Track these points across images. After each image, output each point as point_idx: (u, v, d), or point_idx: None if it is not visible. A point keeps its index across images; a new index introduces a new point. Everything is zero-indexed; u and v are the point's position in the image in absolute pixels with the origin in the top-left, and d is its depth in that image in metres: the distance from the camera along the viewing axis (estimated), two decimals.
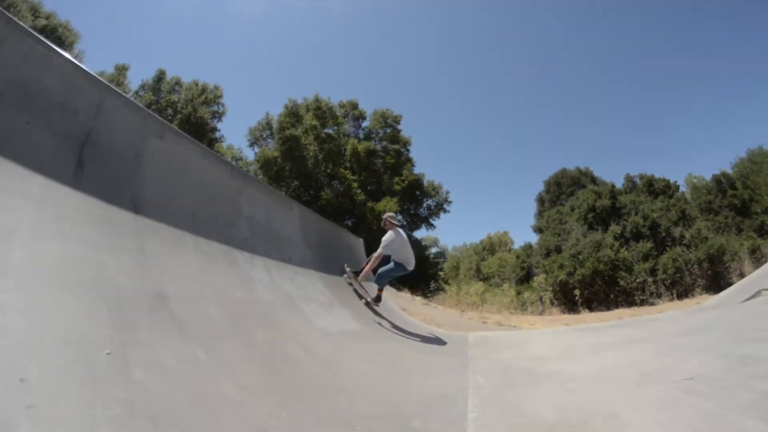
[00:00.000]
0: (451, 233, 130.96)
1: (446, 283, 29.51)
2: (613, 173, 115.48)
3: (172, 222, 3.50)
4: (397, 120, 31.44)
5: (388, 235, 7.32)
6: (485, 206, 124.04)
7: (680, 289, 19.01)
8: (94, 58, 64.53)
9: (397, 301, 11.87)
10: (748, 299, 9.59)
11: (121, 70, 32.06)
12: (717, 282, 18.99)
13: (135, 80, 33.39)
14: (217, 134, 32.98)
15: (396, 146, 30.72)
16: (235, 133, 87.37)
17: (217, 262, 3.79)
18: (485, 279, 38.66)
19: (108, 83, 3.50)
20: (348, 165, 28.42)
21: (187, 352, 2.46)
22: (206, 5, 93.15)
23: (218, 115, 33.27)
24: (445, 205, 32.11)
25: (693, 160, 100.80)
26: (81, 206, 2.72)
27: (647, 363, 4.36)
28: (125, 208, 3.10)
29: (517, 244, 52.66)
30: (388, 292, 13.14)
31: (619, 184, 30.65)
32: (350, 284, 7.87)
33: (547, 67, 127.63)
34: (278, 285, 4.64)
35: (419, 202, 31.40)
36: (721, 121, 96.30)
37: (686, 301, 16.85)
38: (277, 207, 5.84)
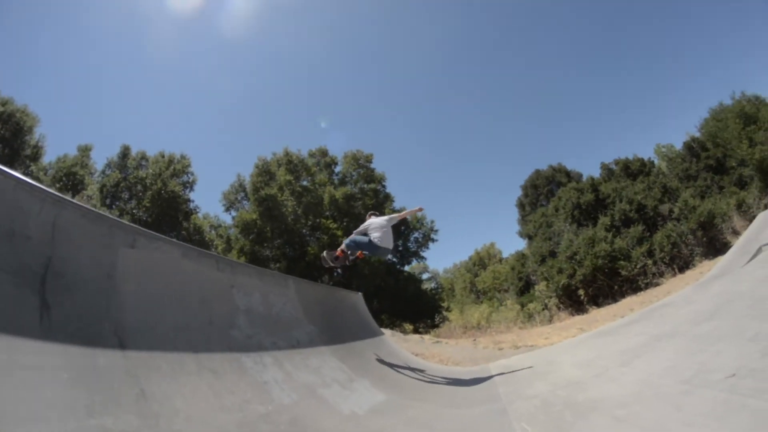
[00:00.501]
0: (438, 257, 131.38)
1: (448, 310, 29.29)
2: (585, 163, 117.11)
3: (167, 345, 3.07)
4: (369, 159, 31.55)
5: (367, 221, 7.92)
6: (467, 222, 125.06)
7: (680, 263, 19.43)
8: (55, 140, 64.17)
9: (407, 346, 11.62)
10: (751, 259, 9.76)
11: (85, 150, 31.84)
12: (714, 245, 19.57)
13: (100, 159, 33.02)
14: (191, 205, 32.53)
15: (372, 185, 30.71)
16: (209, 198, 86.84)
17: (225, 376, 3.36)
18: (483, 293, 38.56)
19: (60, 195, 2.99)
20: (328, 214, 28.24)
21: None
22: (159, 75, 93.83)
23: (189, 185, 32.80)
24: (432, 235, 32.12)
25: (659, 130, 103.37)
26: (57, 361, 2.26)
27: (683, 365, 4.19)
28: (109, 345, 2.64)
29: (506, 252, 53.04)
30: (396, 338, 12.80)
31: (596, 173, 31.08)
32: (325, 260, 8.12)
33: (501, 70, 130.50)
34: (294, 378, 4.24)
35: (406, 237, 31.38)
36: (678, 88, 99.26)
37: (689, 273, 17.30)
38: (272, 288, 5.46)
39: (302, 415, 3.66)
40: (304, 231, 28.22)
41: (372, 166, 31.69)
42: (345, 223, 27.58)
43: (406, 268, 32.45)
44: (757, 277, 7.40)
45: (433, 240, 32.00)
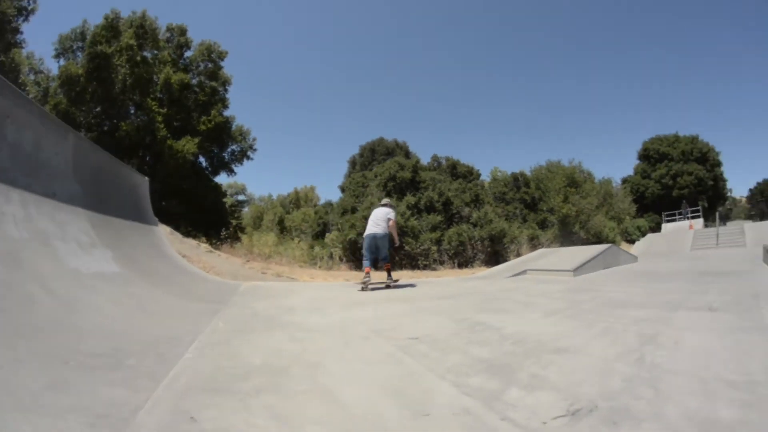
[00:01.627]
0: (260, 182, 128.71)
1: (242, 231, 29.09)
2: (429, 152, 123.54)
3: None
4: (221, 56, 29.37)
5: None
6: (298, 159, 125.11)
7: (461, 260, 21.68)
8: None
9: (179, 248, 11.55)
10: (514, 275, 11.56)
11: None
12: (496, 258, 22.04)
13: None
14: (19, 37, 27.24)
15: (214, 83, 28.76)
16: (45, 38, 72.52)
17: None
18: (288, 231, 39.00)
19: None
20: (157, 96, 26.04)
21: None
22: None
23: (26, 13, 27.32)
24: (249, 152, 30.93)
25: (500, 160, 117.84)
26: None
27: (388, 321, 4.93)
28: None
29: (324, 200, 53.90)
30: (173, 237, 12.77)
31: (427, 162, 32.97)
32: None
33: (374, 41, 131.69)
34: (34, 222, 4.34)
35: (224, 146, 29.86)
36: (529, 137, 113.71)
37: (465, 271, 18.84)
38: (49, 135, 5.40)
39: (23, 251, 3.86)
40: (127, 105, 25.77)
41: (222, 64, 29.64)
42: (171, 112, 25.85)
43: (217, 179, 30.85)
44: (506, 286, 8.79)
45: (249, 157, 30.90)
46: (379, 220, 9.04)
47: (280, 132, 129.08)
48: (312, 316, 5.22)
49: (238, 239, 25.79)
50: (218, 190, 29.68)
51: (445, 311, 5.61)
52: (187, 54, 29.37)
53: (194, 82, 28.12)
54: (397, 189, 25.77)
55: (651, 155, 50.72)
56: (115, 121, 25.19)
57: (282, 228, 43.53)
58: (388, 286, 9.00)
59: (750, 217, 55.18)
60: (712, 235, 27.22)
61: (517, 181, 32.70)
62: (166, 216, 17.88)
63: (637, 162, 52.77)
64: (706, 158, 48.76)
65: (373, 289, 8.51)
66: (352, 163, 44.62)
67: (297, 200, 58.61)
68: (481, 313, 5.29)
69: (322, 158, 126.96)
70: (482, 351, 3.44)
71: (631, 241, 35.23)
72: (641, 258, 18.52)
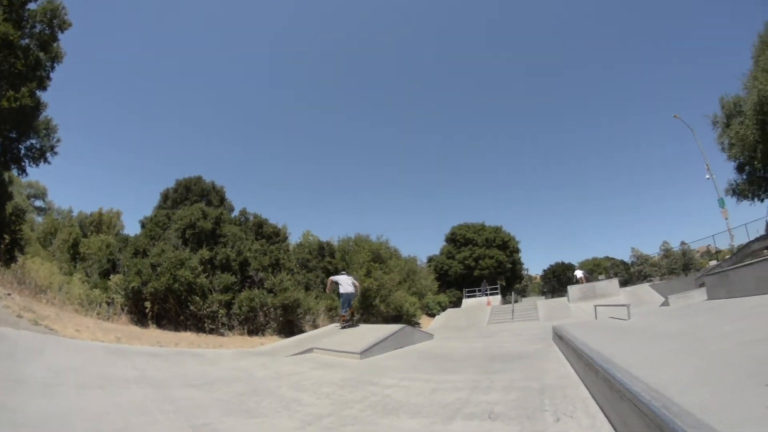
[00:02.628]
0: (65, 190, 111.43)
1: (20, 249, 22.20)
2: (246, 205, 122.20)
3: None
4: (63, 26, 22.56)
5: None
6: (112, 176, 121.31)
7: (252, 327, 19.85)
8: None
9: None
10: (298, 353, 11.20)
11: None
12: (290, 328, 21.12)
13: None
14: None
15: (42, 54, 21.94)
16: None
17: None
18: (82, 259, 33.97)
19: None
20: None
21: None
22: None
23: None
24: (48, 154, 24.39)
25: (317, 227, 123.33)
26: None
27: (116, 417, 4.13)
28: None
29: (130, 230, 49.57)
30: None
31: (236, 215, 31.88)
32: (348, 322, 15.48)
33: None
34: None
35: (23, 135, 23.08)
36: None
37: (255, 339, 18.03)
38: None
39: None
40: None
41: (60, 34, 22.75)
42: None
43: (26, 177, 24.46)
44: (280, 371, 8.36)
45: (47, 161, 24.30)
46: (348, 283, 15.42)
47: (101, 140, 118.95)
48: (31, 401, 4.06)
49: (13, 259, 19.21)
50: (3, 188, 22.41)
51: (190, 407, 4.81)
52: (31, 6, 22.29)
53: (23, 43, 21.26)
54: (195, 239, 23.01)
55: (457, 239, 56.29)
56: None
57: (75, 253, 36.50)
58: (351, 321, 15.35)
59: (543, 293, 64.61)
60: (509, 310, 30.56)
61: (323, 249, 32.59)
62: None
63: (444, 244, 58.70)
64: (507, 246, 55.87)
65: (348, 327, 14.57)
66: (165, 197, 40.89)
67: (99, 223, 50.47)
68: (229, 416, 4.62)
69: (137, 182, 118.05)
70: None
71: (432, 315, 37.77)
72: (439, 332, 20.55)
